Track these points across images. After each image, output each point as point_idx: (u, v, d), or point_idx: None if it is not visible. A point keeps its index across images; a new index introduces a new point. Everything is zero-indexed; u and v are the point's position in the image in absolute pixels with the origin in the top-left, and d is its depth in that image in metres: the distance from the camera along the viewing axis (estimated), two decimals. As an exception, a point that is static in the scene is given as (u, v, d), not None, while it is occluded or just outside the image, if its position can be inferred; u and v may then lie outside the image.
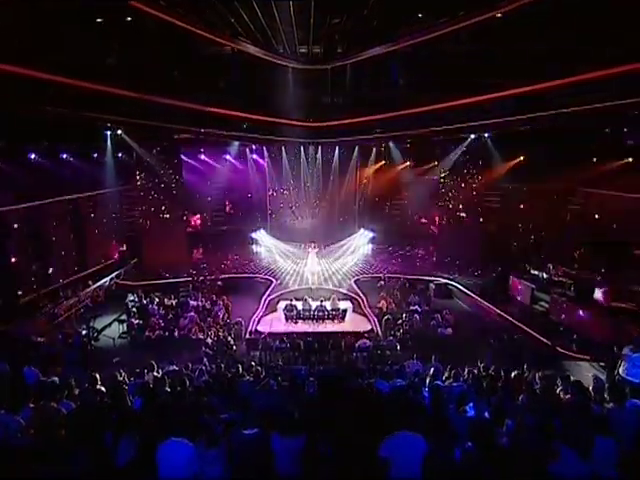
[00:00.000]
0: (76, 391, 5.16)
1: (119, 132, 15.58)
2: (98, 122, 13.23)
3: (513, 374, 5.98)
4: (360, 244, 20.55)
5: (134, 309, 12.71)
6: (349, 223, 22.65)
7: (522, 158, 16.50)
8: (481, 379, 5.86)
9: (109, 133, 15.56)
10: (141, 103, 11.17)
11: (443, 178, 19.93)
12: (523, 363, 7.11)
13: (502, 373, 6.20)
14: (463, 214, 19.10)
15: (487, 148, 16.95)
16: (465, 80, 11.36)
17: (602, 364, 9.00)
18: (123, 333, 11.89)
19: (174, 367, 7.58)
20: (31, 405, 4.48)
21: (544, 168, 14.52)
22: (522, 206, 17.30)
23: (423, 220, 22.54)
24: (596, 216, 14.55)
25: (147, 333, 11.49)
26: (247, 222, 22.01)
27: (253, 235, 20.81)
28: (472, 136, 17.02)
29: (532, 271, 14.02)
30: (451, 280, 16.11)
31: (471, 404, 4.81)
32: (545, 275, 13.43)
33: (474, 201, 18.57)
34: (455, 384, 6.08)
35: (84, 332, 10.98)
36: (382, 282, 16.08)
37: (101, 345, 11.08)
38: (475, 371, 6.77)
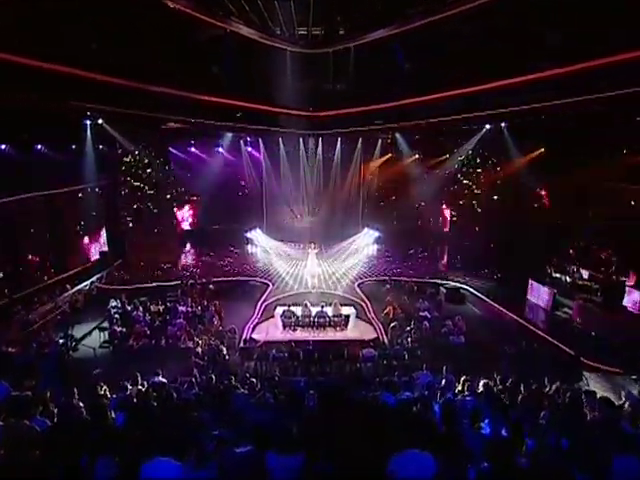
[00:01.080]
0: (52, 407, 5.11)
1: (100, 122, 15.56)
2: (78, 110, 13.22)
3: (533, 387, 5.93)
4: (364, 244, 20.54)
5: (117, 315, 12.65)
6: (352, 222, 22.66)
7: (542, 150, 16.45)
8: (498, 392, 5.82)
9: (89, 123, 15.53)
10: (124, 89, 11.14)
11: (455, 172, 19.90)
12: (544, 375, 7.07)
13: (521, 386, 6.14)
14: (478, 209, 19.07)
15: (504, 139, 16.91)
16: (480, 63, 11.31)
17: (634, 377, 8.94)
18: (105, 342, 11.84)
19: (161, 379, 7.54)
20: (0, 423, 4.42)
21: (567, 160, 14.46)
22: (542, 202, 17.25)
23: (432, 218, 22.52)
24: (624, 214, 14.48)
25: (131, 342, 11.44)
26: (241, 220, 22.02)
27: (248, 235, 20.83)
28: (487, 126, 16.98)
29: (553, 274, 13.98)
30: (464, 283, 16.09)
31: (487, 420, 4.78)
32: (568, 278, 13.40)
33: (489, 197, 18.53)
34: (469, 398, 6.01)
35: (61, 341, 10.93)
36: (388, 286, 16.06)
37: (80, 355, 11.02)
38: (491, 383, 6.71)
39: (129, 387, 6.52)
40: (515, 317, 13.01)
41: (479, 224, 18.84)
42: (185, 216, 22.54)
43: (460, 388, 6.70)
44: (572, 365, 9.65)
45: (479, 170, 18.62)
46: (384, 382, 7.15)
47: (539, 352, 10.59)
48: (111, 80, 10.53)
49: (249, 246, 20.94)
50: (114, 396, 6.15)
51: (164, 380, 7.49)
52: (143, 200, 18.56)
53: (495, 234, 17.78)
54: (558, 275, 13.77)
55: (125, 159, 17.91)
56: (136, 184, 18.42)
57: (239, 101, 14.74)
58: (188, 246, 21.69)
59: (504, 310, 13.60)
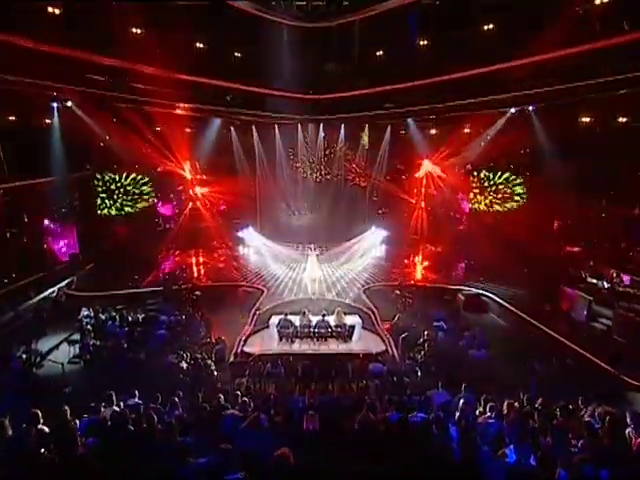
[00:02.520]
0: (10, 432, 5.05)
1: (69, 104, 15.53)
2: (44, 91, 13.16)
3: (566, 409, 5.90)
4: (371, 245, 20.51)
5: (89, 326, 12.63)
6: (357, 219, 22.66)
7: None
8: (525, 415, 5.79)
9: (56, 106, 15.48)
10: (94, 67, 11.13)
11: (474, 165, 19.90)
12: (579, 396, 7.03)
13: (553, 408, 6.11)
14: (498, 208, 19.06)
15: (530, 125, 16.85)
16: (502, 39, 11.31)
17: None
18: (75, 357, 11.79)
19: (137, 401, 7.49)
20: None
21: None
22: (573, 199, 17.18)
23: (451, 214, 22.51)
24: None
25: (106, 356, 11.40)
26: (232, 218, 22.01)
27: (239, 234, 20.81)
28: (512, 110, 16.94)
29: (589, 279, 13.91)
30: (484, 289, 16.05)
31: (512, 447, 4.74)
32: (606, 284, 13.33)
33: (513, 193, 18.52)
34: (491, 420, 6.01)
35: (24, 356, 10.88)
36: (398, 291, 16.03)
37: (46, 372, 10.97)
38: (517, 405, 6.66)
39: (102, 408, 6.49)
40: (544, 328, 12.95)
41: (501, 222, 18.80)
42: (166, 208, 22.51)
43: (481, 409, 6.68)
44: (612, 384, 9.58)
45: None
46: (394, 402, 7.16)
47: (573, 369, 10.53)
48: (79, 56, 10.52)
49: (241, 247, 20.92)
50: (85, 418, 6.11)
51: (140, 402, 7.44)
52: (121, 195, 18.53)
53: (522, 235, 17.73)
54: (594, 280, 13.68)
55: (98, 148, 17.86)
56: (113, 177, 18.41)
57: (228, 82, 14.75)
58: (172, 246, 21.66)
59: (532, 320, 13.53)
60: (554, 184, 16.62)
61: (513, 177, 18.96)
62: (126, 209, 18.92)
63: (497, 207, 19.40)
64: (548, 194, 17.46)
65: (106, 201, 18.52)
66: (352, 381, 10.54)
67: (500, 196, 19.22)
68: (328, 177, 23.18)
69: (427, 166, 21.21)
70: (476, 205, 20.03)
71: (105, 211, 18.59)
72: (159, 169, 20.44)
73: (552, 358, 10.89)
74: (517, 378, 9.66)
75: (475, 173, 20.10)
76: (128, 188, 18.91)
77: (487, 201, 19.64)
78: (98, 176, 18.32)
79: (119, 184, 18.66)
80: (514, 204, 18.98)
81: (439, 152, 20.58)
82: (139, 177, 19.39)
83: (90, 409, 6.50)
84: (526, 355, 11.25)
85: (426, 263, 19.83)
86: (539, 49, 10.75)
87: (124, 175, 18.88)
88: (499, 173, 19.26)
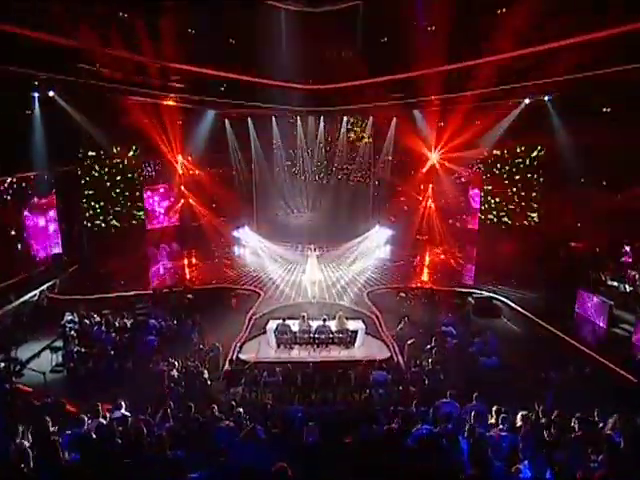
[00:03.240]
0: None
1: (51, 94, 15.51)
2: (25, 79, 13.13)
3: (585, 422, 5.89)
4: (375, 245, 20.52)
5: (73, 332, 12.60)
6: (360, 217, 22.68)
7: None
8: (540, 427, 5.77)
9: (37, 95, 15.45)
10: (78, 54, 11.13)
11: (487, 159, 19.88)
12: (598, 407, 7.00)
13: (570, 421, 6.10)
14: (511, 207, 19.06)
15: (547, 117, 16.82)
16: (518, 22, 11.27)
17: None
18: (57, 365, 11.75)
19: (126, 413, 7.44)
20: None
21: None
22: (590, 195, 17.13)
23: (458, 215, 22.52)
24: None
25: (91, 365, 11.37)
26: (227, 216, 22.02)
27: (235, 233, 20.82)
28: (526, 101, 16.91)
29: (609, 281, 13.87)
30: (496, 293, 16.04)
31: (526, 462, 4.72)
32: (628, 287, 13.29)
33: (527, 189, 18.49)
34: (504, 433, 6.00)
35: (2, 364, 10.86)
36: (403, 294, 16.01)
37: (27, 382, 10.87)
38: (531, 416, 6.66)
39: (87, 421, 6.47)
40: (561, 334, 12.93)
41: (514, 220, 18.81)
42: (160, 211, 22.52)
43: (493, 421, 6.67)
44: (635, 395, 9.56)
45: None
46: (399, 413, 7.15)
47: (592, 378, 10.48)
48: (63, 42, 10.51)
49: (236, 247, 20.93)
50: (68, 431, 6.10)
51: (128, 413, 7.41)
52: (107, 190, 18.50)
53: (534, 229, 17.72)
54: (615, 283, 13.65)
55: (82, 142, 17.84)
56: (101, 171, 18.39)
57: (223, 71, 14.72)
58: (162, 247, 21.70)
59: (547, 326, 13.51)
60: (571, 179, 16.62)
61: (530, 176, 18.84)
62: (113, 222, 18.86)
63: (506, 219, 19.33)
64: (564, 190, 17.44)
65: (94, 206, 18.43)
66: (355, 390, 10.53)
67: (514, 205, 19.11)
68: (329, 173, 23.19)
69: (434, 159, 21.26)
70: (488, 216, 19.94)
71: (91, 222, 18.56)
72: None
73: (569, 366, 10.86)
74: (531, 388, 9.64)
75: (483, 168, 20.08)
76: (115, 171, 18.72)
77: (499, 211, 19.58)
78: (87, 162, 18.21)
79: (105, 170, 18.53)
80: (529, 218, 18.89)
81: (447, 145, 20.65)
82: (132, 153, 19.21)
83: (74, 421, 6.48)
84: (541, 363, 11.24)
85: (433, 264, 19.87)
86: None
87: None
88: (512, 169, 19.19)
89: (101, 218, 18.73)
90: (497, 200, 19.61)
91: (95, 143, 17.90)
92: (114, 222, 19.03)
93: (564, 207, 17.45)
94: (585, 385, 10.02)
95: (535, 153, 18.38)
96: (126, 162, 18.95)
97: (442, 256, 20.69)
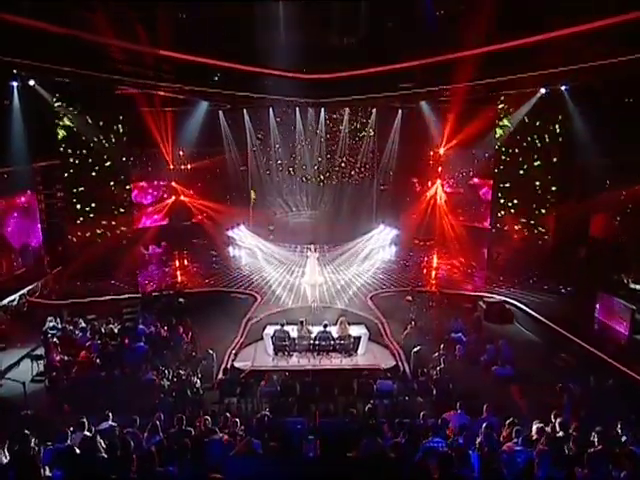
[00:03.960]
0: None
1: (31, 83, 15.45)
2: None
3: (606, 436, 5.87)
4: (379, 246, 20.54)
5: (55, 339, 12.54)
6: (364, 216, 22.71)
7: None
8: (557, 442, 5.76)
9: (16, 85, 15.38)
10: (61, 40, 11.09)
11: (498, 152, 19.83)
12: (620, 420, 6.99)
13: (593, 435, 6.09)
14: (523, 229, 19.07)
15: (564, 107, 16.82)
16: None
17: None
18: (38, 374, 11.73)
19: (113, 423, 7.49)
20: None
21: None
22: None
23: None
24: None
25: (74, 374, 11.35)
26: (221, 214, 22.02)
27: (230, 233, 20.85)
28: (542, 90, 16.91)
29: (632, 284, 13.83)
30: (509, 296, 16.02)
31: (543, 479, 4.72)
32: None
33: (545, 185, 18.45)
34: (518, 447, 5.98)
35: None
36: (410, 298, 16.01)
37: (5, 392, 10.92)
38: (549, 430, 6.66)
39: (70, 434, 6.47)
40: (580, 342, 12.88)
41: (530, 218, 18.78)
42: (149, 209, 22.54)
43: (506, 434, 6.66)
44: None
45: (531, 147, 18.47)
46: (405, 425, 7.14)
47: (613, 389, 10.40)
48: (42, 27, 10.50)
49: (231, 248, 20.95)
50: (50, 446, 6.08)
51: (115, 425, 7.44)
52: (92, 186, 18.42)
53: (553, 233, 17.66)
54: (639, 286, 13.61)
55: (63, 132, 17.77)
56: (84, 165, 18.34)
57: (215, 59, 14.70)
58: (152, 247, 21.72)
59: (565, 332, 13.46)
60: (589, 173, 16.60)
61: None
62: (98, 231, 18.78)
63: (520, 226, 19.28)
64: (582, 184, 17.42)
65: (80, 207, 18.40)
66: (357, 401, 10.46)
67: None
68: (330, 168, 23.19)
69: (442, 152, 21.30)
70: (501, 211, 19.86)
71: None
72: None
73: (589, 376, 10.84)
74: (548, 399, 9.56)
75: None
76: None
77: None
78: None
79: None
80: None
81: (457, 139, 20.66)
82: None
83: (56, 435, 6.48)
84: (558, 372, 11.22)
85: (442, 266, 19.87)
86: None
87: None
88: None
89: (86, 217, 18.64)
90: (509, 186, 19.45)
91: (79, 136, 17.85)
92: (100, 230, 18.90)
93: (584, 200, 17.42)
94: (606, 396, 9.98)
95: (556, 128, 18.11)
96: (111, 155, 18.83)
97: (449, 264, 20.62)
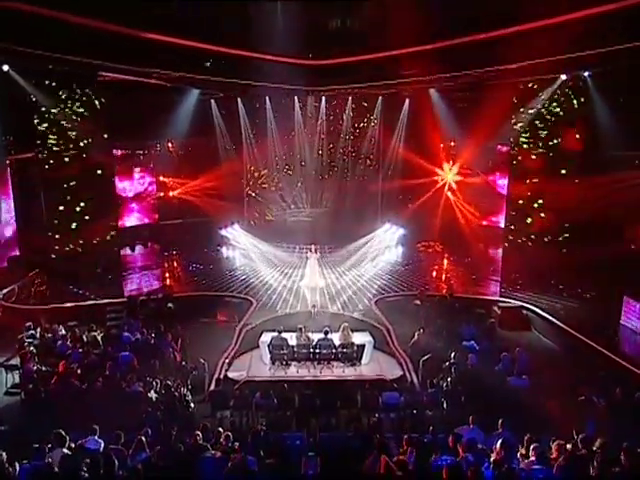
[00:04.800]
0: None
1: (5, 68, 15.45)
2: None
3: (633, 453, 5.85)
4: (385, 246, 20.54)
5: (33, 348, 12.54)
6: (368, 214, 22.73)
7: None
8: (579, 460, 5.76)
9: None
10: (38, 20, 11.11)
11: (513, 145, 19.90)
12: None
13: (619, 452, 6.03)
14: (540, 201, 19.10)
15: (586, 96, 16.81)
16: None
17: None
18: (14, 386, 11.74)
19: (96, 439, 7.47)
20: None
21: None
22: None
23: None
24: None
25: (53, 386, 11.21)
26: (213, 212, 22.05)
27: (223, 232, 20.87)
28: (563, 77, 16.92)
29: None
30: (526, 301, 15.99)
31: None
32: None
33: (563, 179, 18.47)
34: (536, 466, 5.97)
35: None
36: (418, 302, 16.01)
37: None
38: (569, 447, 6.61)
39: (48, 451, 6.46)
40: (604, 351, 12.86)
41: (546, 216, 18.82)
42: (132, 207, 22.58)
43: (523, 451, 6.65)
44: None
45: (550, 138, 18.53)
46: (413, 441, 7.11)
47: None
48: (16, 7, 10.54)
49: (224, 248, 20.98)
50: (26, 464, 6.07)
51: (98, 440, 7.44)
52: (72, 179, 18.43)
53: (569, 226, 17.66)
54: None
55: (43, 125, 17.78)
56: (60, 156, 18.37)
57: (207, 44, 14.72)
58: (138, 247, 21.78)
59: (587, 340, 13.42)
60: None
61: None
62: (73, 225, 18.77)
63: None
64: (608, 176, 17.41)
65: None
66: (361, 414, 10.48)
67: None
68: (332, 162, 23.20)
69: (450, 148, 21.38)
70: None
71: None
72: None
73: (614, 389, 10.81)
74: (569, 413, 9.55)
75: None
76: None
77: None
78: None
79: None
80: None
81: (469, 130, 20.68)
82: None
83: (33, 452, 6.45)
84: (580, 384, 11.20)
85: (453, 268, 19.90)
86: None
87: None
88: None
89: (65, 215, 18.64)
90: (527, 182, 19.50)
91: (59, 126, 17.86)
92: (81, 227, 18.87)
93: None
94: (634, 411, 9.94)
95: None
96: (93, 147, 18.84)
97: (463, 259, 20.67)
